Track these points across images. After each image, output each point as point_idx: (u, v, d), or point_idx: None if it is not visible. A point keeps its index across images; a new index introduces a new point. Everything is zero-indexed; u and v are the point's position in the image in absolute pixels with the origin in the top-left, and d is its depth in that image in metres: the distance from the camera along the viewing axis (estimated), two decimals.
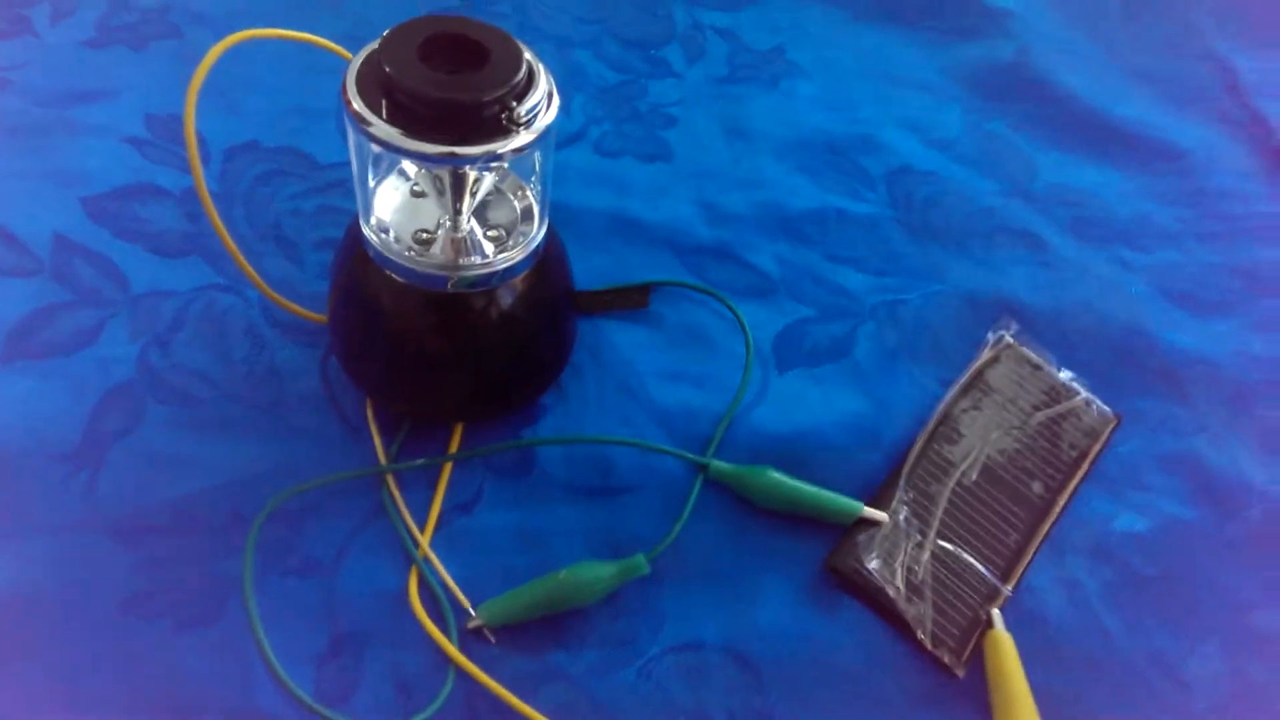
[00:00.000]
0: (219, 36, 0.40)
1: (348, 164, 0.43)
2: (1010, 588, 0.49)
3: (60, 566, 0.43)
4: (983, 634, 0.47)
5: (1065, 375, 0.57)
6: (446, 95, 0.37)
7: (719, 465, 0.50)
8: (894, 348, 0.58)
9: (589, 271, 0.58)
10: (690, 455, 0.50)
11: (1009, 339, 0.58)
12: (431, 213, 0.45)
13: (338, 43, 0.45)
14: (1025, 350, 0.58)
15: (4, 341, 0.49)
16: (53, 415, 0.47)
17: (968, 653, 0.46)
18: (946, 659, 0.46)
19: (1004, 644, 0.46)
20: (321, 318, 0.52)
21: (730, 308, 0.58)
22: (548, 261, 0.47)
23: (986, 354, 0.57)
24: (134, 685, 0.41)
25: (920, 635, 0.46)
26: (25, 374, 0.48)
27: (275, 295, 0.50)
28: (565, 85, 0.69)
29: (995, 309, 0.61)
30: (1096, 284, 0.64)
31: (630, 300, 0.57)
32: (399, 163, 0.46)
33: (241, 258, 0.46)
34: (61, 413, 0.47)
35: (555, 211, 0.46)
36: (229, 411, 0.49)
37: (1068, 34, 0.82)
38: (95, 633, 0.42)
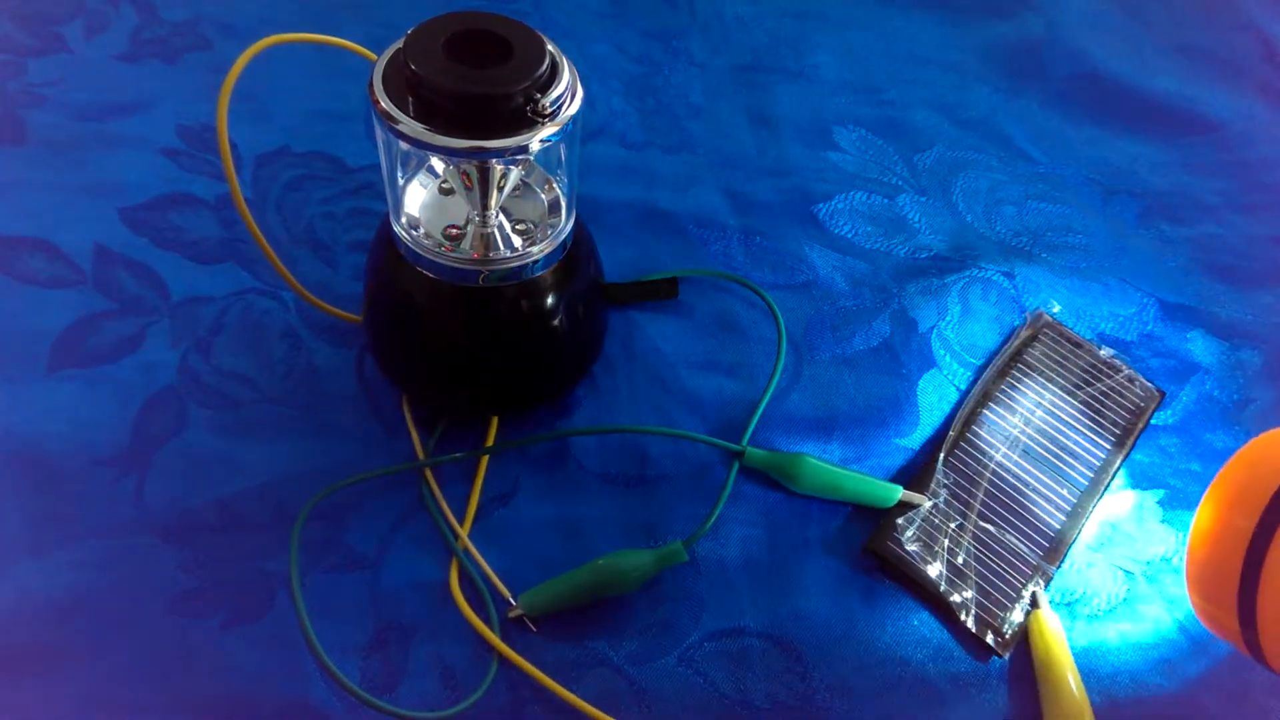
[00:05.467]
0: (248, 46, 0.40)
1: (377, 166, 0.44)
2: (1055, 568, 0.48)
3: (111, 569, 0.44)
4: (1028, 615, 0.46)
5: (1106, 352, 0.56)
6: (471, 89, 0.37)
7: (754, 452, 0.50)
8: (930, 329, 0.58)
9: (619, 264, 0.58)
10: (725, 443, 0.50)
11: (1048, 317, 0.57)
12: (460, 209, 0.45)
13: (362, 46, 0.45)
14: (1065, 328, 0.57)
15: (50, 351, 0.50)
16: (99, 422, 0.48)
17: (1012, 634, 0.46)
18: (990, 640, 0.46)
19: (1050, 624, 0.46)
20: (356, 318, 0.52)
21: (761, 294, 0.57)
22: (576, 253, 0.47)
23: (1025, 333, 0.57)
24: (185, 682, 0.41)
25: (963, 617, 0.46)
26: (71, 382, 0.49)
27: (311, 297, 0.51)
28: (588, 80, 0.69)
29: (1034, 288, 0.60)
30: (1135, 259, 0.63)
31: (659, 292, 0.57)
32: (427, 161, 0.47)
33: (278, 261, 0.47)
34: (108, 419, 0.48)
35: (583, 206, 0.47)
36: (269, 412, 0.50)
37: (1099, 8, 0.81)
38: (147, 632, 0.42)
